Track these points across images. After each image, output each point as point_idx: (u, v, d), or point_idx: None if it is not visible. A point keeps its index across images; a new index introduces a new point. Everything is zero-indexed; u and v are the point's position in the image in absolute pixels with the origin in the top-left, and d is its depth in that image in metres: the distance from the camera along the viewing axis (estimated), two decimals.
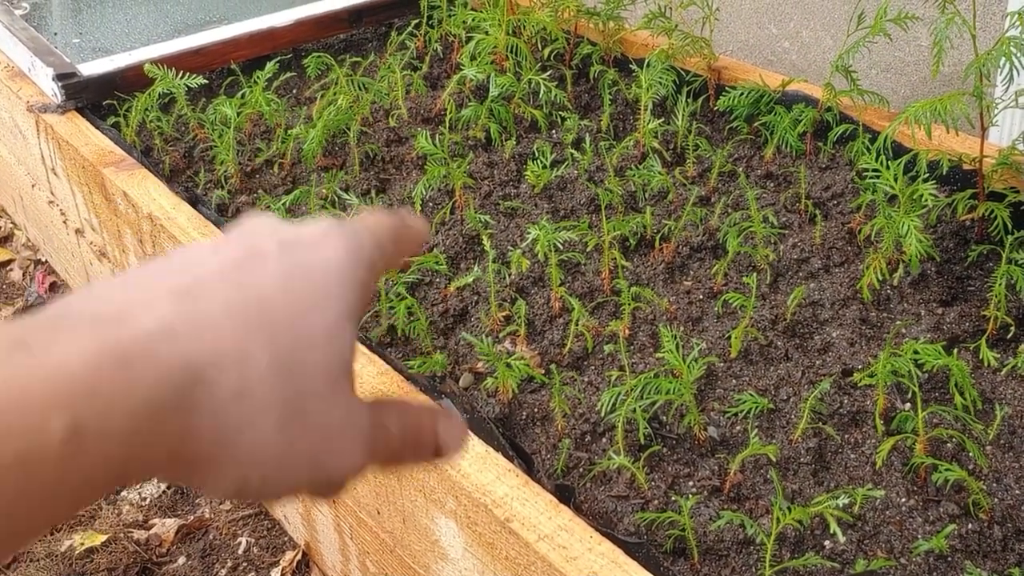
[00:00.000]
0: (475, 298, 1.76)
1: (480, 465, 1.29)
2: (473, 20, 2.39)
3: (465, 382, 1.58)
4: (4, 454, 0.41)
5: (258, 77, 2.27)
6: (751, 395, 1.47)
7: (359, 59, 2.59)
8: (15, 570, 1.99)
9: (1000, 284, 1.56)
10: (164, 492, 2.15)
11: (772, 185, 2.00)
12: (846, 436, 1.44)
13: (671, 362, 1.45)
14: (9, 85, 2.44)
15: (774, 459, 1.40)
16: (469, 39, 2.36)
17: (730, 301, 1.67)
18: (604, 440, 1.46)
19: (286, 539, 2.01)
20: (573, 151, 2.12)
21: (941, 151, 1.79)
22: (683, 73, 2.27)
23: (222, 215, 2.00)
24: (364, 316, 1.72)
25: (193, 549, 2.02)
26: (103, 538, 2.02)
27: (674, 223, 1.86)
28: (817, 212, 1.88)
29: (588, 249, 1.84)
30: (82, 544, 2.01)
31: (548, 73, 2.29)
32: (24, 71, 2.47)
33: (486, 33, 2.31)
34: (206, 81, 2.38)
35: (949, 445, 1.40)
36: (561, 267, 1.80)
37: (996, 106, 1.68)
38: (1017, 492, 1.34)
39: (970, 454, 1.38)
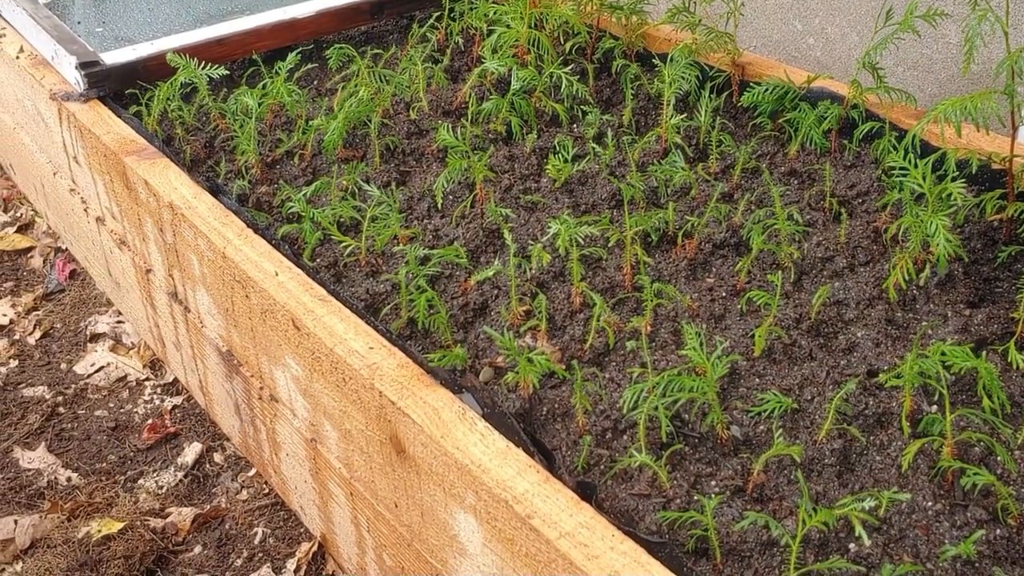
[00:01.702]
0: (495, 292, 1.75)
1: (501, 460, 1.28)
2: (495, 13, 2.37)
3: (485, 376, 1.57)
4: None
5: (280, 68, 2.26)
6: (775, 394, 1.45)
7: (380, 51, 2.58)
8: (32, 556, 1.99)
9: None
10: (181, 481, 2.15)
11: (796, 182, 1.98)
12: (871, 438, 1.42)
13: (694, 360, 1.44)
14: (32, 73, 2.44)
15: (798, 460, 1.38)
16: (490, 32, 2.35)
17: (754, 299, 1.65)
18: (625, 437, 1.45)
19: (302, 530, 2.01)
20: (595, 145, 2.10)
21: (970, 150, 1.76)
22: (706, 68, 2.25)
23: (243, 205, 1.99)
24: (384, 308, 1.71)
25: (209, 538, 2.02)
26: (120, 525, 2.02)
27: (697, 219, 1.84)
28: (842, 210, 1.86)
29: (610, 244, 1.83)
30: (99, 531, 2.02)
31: (570, 67, 2.28)
32: (47, 59, 2.47)
33: (508, 26, 2.29)
34: (228, 71, 2.38)
35: (977, 449, 1.38)
36: (582, 262, 1.79)
37: None
38: None
39: (999, 458, 1.36)
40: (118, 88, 2.33)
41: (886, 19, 1.92)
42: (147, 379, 2.46)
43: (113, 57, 2.35)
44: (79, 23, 2.67)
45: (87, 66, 2.27)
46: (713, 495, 1.34)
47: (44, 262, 2.92)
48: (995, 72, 1.58)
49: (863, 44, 2.30)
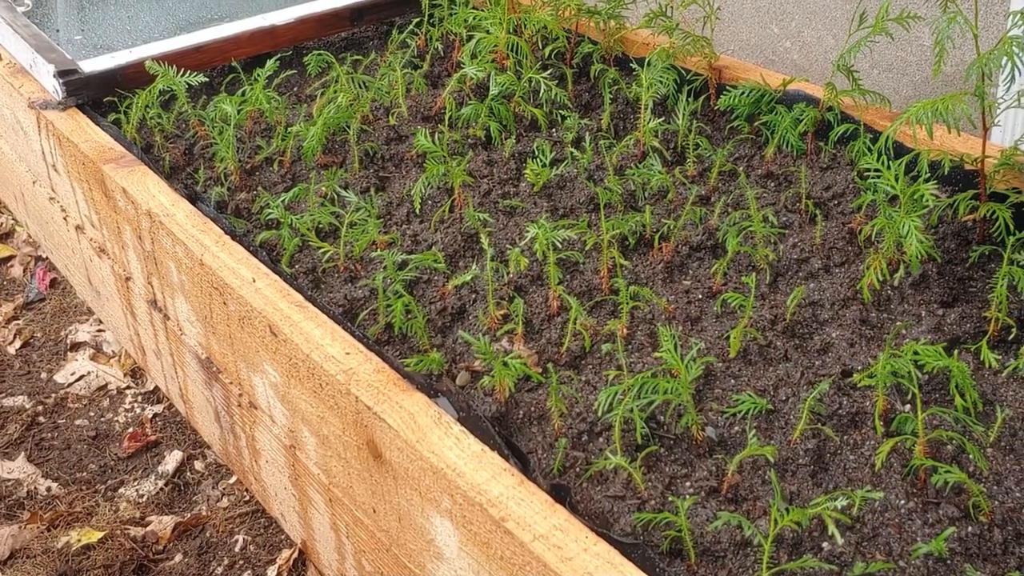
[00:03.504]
0: (473, 296, 1.75)
1: (476, 464, 1.28)
2: (474, 19, 2.38)
3: (462, 380, 1.58)
4: None
5: (259, 75, 2.27)
6: (749, 395, 1.46)
7: (360, 57, 2.58)
8: (12, 566, 1.98)
9: (1001, 285, 1.55)
10: (162, 489, 2.14)
11: (772, 185, 1.99)
12: (845, 437, 1.43)
13: (669, 362, 1.44)
14: (11, 82, 2.44)
15: (772, 460, 1.39)
16: (470, 37, 2.35)
17: (729, 301, 1.66)
18: (601, 440, 1.45)
19: (283, 537, 2.01)
20: (573, 150, 2.11)
21: (943, 151, 1.78)
22: (684, 72, 2.26)
23: (221, 212, 1.99)
24: (362, 314, 1.72)
25: (190, 546, 2.01)
26: (100, 535, 2.01)
27: (673, 222, 1.85)
28: (818, 212, 1.87)
29: (587, 248, 1.84)
30: (79, 541, 2.01)
31: (548, 72, 2.28)
32: (26, 68, 2.47)
33: (487, 31, 2.30)
34: (207, 79, 2.38)
35: (949, 447, 1.39)
36: (560, 266, 1.79)
37: (998, 106, 1.67)
38: (1018, 495, 1.33)
39: (970, 456, 1.37)
40: (97, 96, 2.33)
41: (860, 22, 1.94)
42: (128, 387, 2.45)
43: (92, 65, 2.35)
44: (58, 31, 2.67)
45: (65, 74, 2.27)
46: (687, 496, 1.34)
47: (24, 271, 2.91)
48: (966, 74, 1.59)
49: (839, 47, 2.32)
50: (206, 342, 1.91)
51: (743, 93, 2.10)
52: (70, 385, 2.47)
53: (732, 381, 1.53)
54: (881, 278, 1.65)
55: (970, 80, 1.60)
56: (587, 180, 2.02)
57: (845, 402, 1.47)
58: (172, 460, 2.21)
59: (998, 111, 1.69)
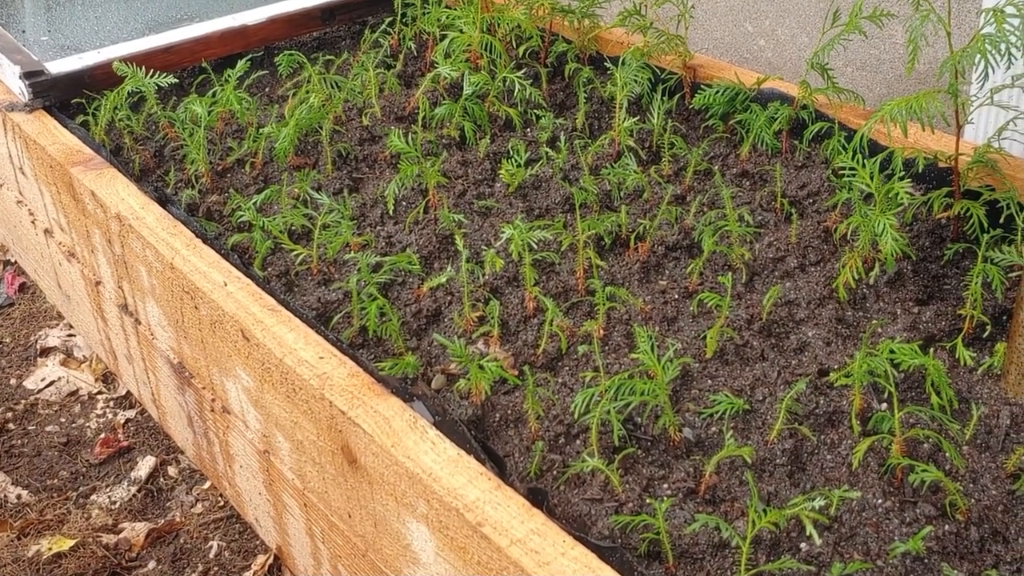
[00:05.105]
0: (448, 298, 1.74)
1: (452, 468, 1.27)
2: (447, 18, 2.36)
3: (437, 384, 1.56)
4: None
5: (229, 75, 2.24)
6: (726, 396, 1.46)
7: (332, 57, 2.56)
8: None
9: (976, 283, 1.56)
10: (134, 496, 2.11)
11: (748, 183, 1.99)
12: (822, 437, 1.43)
13: (646, 363, 1.44)
14: None
15: (750, 461, 1.38)
16: (443, 37, 2.34)
17: (705, 301, 1.65)
18: (578, 442, 1.44)
19: (258, 543, 1.98)
20: (548, 150, 2.10)
21: (917, 149, 1.78)
22: (658, 71, 2.26)
23: (192, 214, 1.97)
24: (336, 317, 1.70)
25: (163, 553, 1.98)
26: (71, 543, 1.98)
27: (649, 222, 1.84)
28: (793, 211, 1.87)
29: (563, 248, 1.83)
30: (50, 549, 1.98)
31: (523, 71, 2.27)
32: None
33: (460, 31, 2.29)
34: (177, 80, 2.35)
35: (926, 445, 1.39)
36: (535, 267, 1.78)
37: (971, 103, 1.68)
38: (994, 493, 1.33)
39: (947, 454, 1.37)
40: (64, 98, 2.29)
41: (833, 20, 1.94)
42: (99, 393, 2.41)
43: (58, 66, 2.31)
44: (24, 32, 2.62)
45: (31, 75, 2.23)
46: (665, 498, 1.33)
47: None
48: (939, 72, 1.59)
49: (813, 45, 2.32)
50: (178, 347, 1.89)
51: (717, 92, 2.09)
52: (40, 391, 2.43)
53: (709, 381, 1.53)
54: (856, 276, 1.65)
55: (943, 78, 1.60)
56: (562, 180, 2.01)
57: (822, 401, 1.47)
58: (145, 466, 2.18)
59: (971, 109, 1.70)
